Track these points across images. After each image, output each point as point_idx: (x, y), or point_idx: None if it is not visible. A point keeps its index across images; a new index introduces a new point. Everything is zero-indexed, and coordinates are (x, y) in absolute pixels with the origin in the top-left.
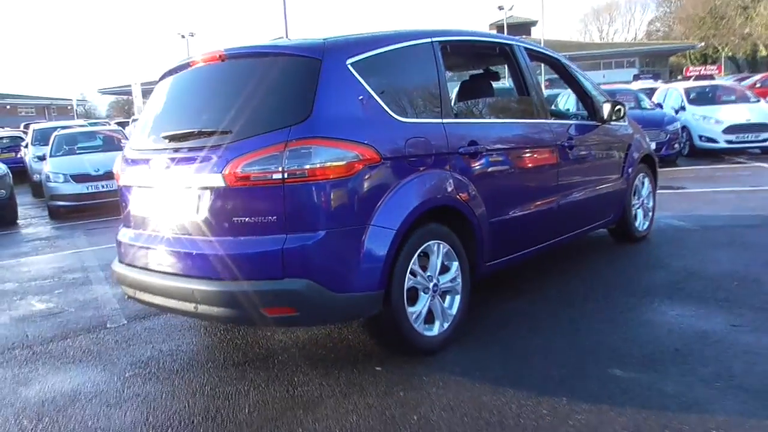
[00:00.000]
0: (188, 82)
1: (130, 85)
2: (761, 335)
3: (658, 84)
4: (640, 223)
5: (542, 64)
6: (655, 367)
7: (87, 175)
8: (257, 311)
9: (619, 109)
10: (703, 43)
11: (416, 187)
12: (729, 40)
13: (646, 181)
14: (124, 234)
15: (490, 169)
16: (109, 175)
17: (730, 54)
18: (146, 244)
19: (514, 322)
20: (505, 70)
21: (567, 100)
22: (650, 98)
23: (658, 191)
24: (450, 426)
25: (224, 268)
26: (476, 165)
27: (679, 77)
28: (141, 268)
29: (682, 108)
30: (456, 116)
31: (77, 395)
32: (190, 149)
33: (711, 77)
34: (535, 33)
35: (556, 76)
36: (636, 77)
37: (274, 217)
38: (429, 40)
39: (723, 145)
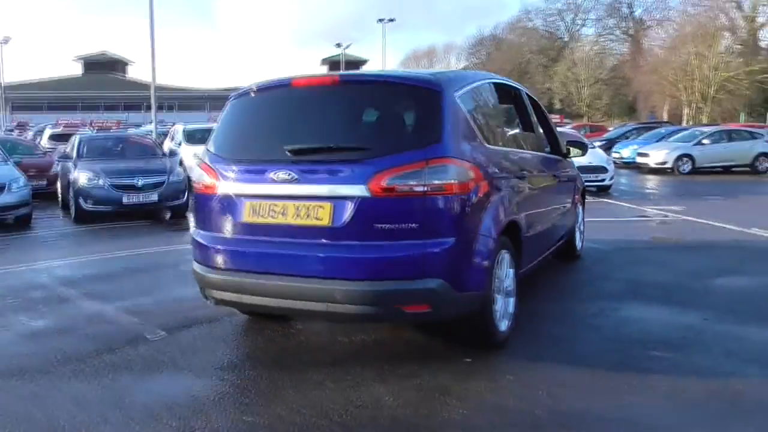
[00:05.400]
0: (294, 100)
1: None
2: (727, 325)
3: None
4: (578, 243)
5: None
6: (681, 349)
7: None
8: (396, 308)
9: (583, 146)
10: None
11: (501, 204)
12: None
13: (580, 208)
14: (221, 241)
15: (527, 192)
16: None
17: None
18: (262, 249)
19: (545, 321)
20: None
21: None
22: None
23: None
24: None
25: (367, 270)
26: (523, 187)
27: None
28: (252, 272)
29: None
30: (510, 146)
31: (196, 399)
32: (323, 162)
33: None
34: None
35: None
36: None
37: (415, 225)
38: (488, 81)
39: None
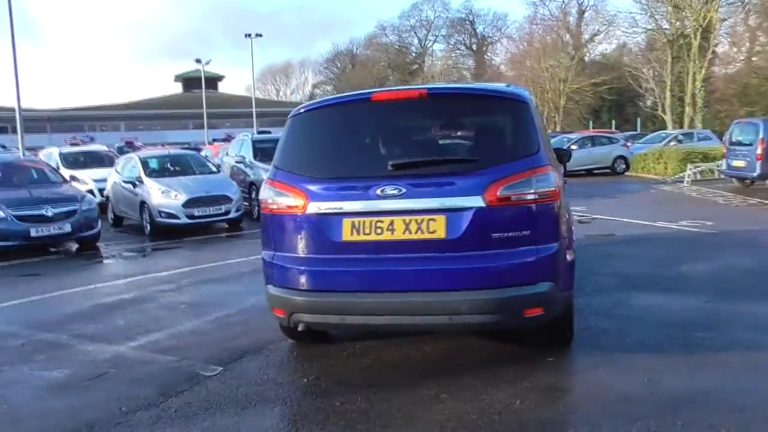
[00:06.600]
0: (377, 115)
1: None
2: (728, 304)
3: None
4: None
5: None
6: (715, 329)
7: None
8: (518, 314)
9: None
10: None
11: (568, 209)
12: None
13: None
14: (313, 262)
15: None
16: None
17: None
18: (368, 267)
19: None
20: None
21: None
22: None
23: None
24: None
25: (490, 278)
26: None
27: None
28: (358, 292)
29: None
30: None
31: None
32: (431, 175)
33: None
34: (222, 87)
35: None
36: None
37: (527, 232)
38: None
39: None
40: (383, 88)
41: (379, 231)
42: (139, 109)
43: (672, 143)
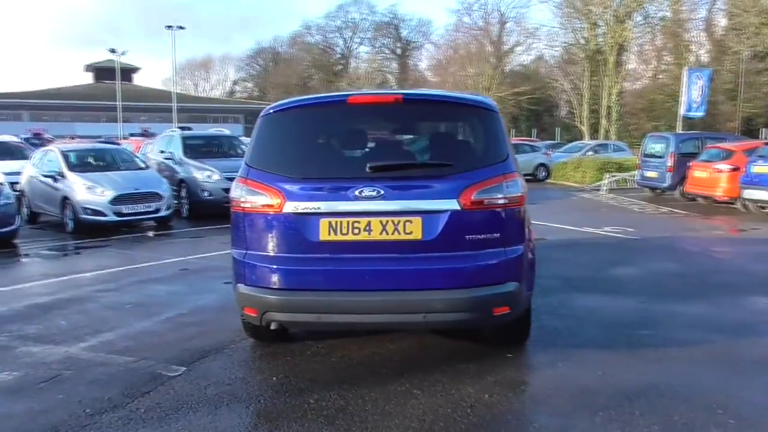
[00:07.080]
0: (352, 117)
1: None
2: (661, 305)
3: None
4: None
5: None
6: (654, 327)
7: None
8: (489, 312)
9: None
10: None
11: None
12: None
13: None
14: (288, 261)
15: None
16: None
17: None
18: (344, 267)
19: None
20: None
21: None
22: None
23: None
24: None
25: (464, 278)
26: None
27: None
28: (334, 291)
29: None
30: None
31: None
32: (409, 178)
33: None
34: (137, 80)
35: None
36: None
37: (497, 234)
38: None
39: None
40: (359, 91)
41: (356, 231)
42: (44, 98)
43: (589, 153)
